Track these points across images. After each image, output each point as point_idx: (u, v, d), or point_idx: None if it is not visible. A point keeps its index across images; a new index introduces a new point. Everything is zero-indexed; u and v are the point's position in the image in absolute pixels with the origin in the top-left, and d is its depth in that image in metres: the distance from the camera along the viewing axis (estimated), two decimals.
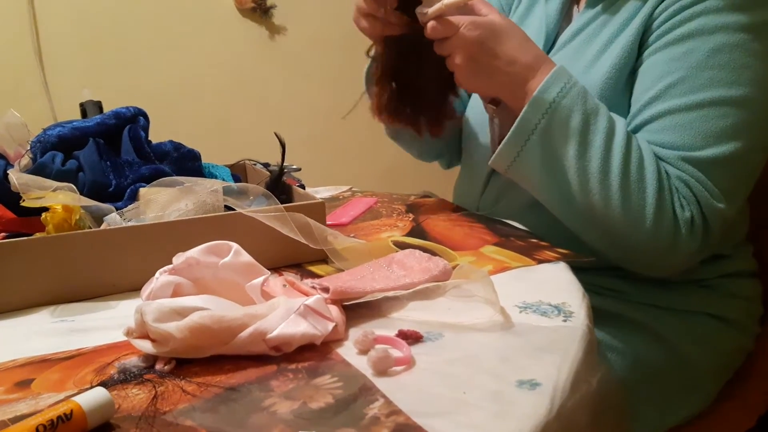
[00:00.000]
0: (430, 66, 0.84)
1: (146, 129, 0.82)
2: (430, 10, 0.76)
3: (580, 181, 0.75)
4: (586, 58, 0.85)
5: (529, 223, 0.86)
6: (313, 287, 0.59)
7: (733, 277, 0.91)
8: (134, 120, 0.81)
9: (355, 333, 0.54)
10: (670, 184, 0.74)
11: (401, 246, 0.77)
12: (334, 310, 0.56)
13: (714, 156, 0.73)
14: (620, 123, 0.76)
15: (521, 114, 0.75)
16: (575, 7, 0.96)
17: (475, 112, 1.01)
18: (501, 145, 0.78)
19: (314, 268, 0.72)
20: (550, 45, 0.94)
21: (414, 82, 0.89)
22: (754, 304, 0.93)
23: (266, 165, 0.95)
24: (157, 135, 0.84)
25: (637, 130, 0.79)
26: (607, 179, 0.73)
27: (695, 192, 0.74)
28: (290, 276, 0.64)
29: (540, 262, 0.72)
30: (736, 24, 0.74)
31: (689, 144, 0.74)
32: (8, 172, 0.72)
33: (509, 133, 0.77)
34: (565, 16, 0.96)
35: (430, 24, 0.76)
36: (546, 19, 0.96)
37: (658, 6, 0.80)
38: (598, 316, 0.61)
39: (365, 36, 0.88)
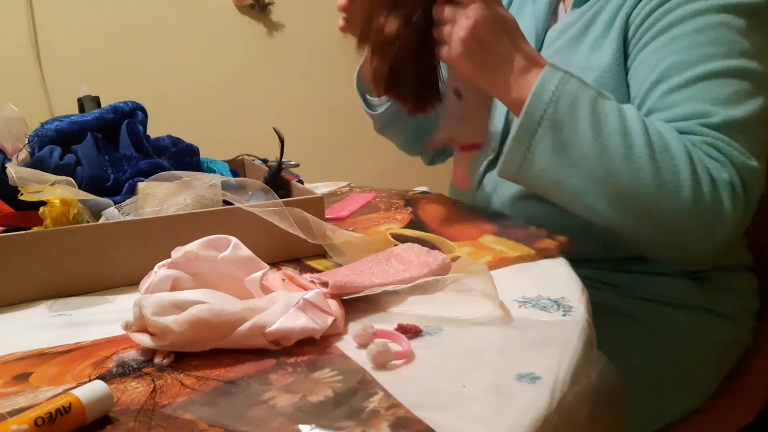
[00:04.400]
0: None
1: (144, 124, 0.82)
2: None
3: (604, 164, 0.69)
4: (575, 59, 0.86)
5: (524, 216, 0.86)
6: (312, 281, 0.59)
7: (728, 270, 0.90)
8: (132, 115, 0.81)
9: (355, 327, 0.54)
10: (699, 150, 0.70)
11: (399, 238, 0.77)
12: (333, 305, 0.56)
13: (729, 119, 0.71)
14: (628, 105, 0.74)
15: (525, 107, 0.71)
16: (561, 6, 0.97)
17: None
18: (507, 145, 0.73)
19: (313, 263, 0.72)
20: (540, 43, 0.95)
21: (417, 56, 0.80)
22: (750, 298, 0.93)
23: (265, 160, 0.95)
24: (155, 130, 0.84)
25: (645, 116, 0.76)
26: (632, 154, 0.68)
27: (725, 152, 0.70)
28: (289, 270, 0.64)
29: (539, 251, 0.72)
30: (713, 6, 0.74)
31: (701, 111, 0.72)
32: (6, 166, 0.72)
33: (514, 129, 0.72)
34: (552, 15, 0.97)
35: None
36: (535, 18, 0.97)
37: (635, 6, 0.80)
38: (593, 309, 0.60)
39: None
